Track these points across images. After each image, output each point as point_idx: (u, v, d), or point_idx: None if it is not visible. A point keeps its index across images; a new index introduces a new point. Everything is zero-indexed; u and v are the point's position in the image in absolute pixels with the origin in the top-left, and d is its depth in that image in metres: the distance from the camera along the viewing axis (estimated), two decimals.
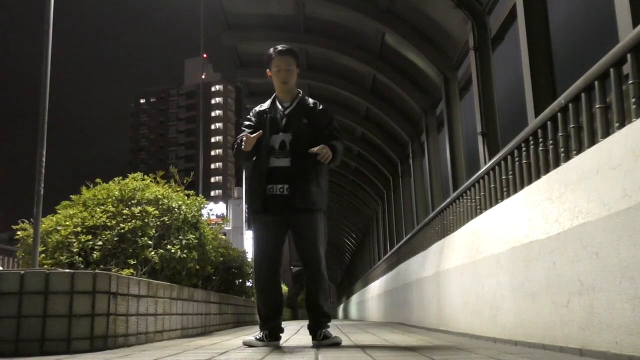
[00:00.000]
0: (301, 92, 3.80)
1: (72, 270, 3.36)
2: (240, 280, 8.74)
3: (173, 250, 4.78)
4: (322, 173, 3.60)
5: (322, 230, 3.56)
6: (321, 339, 3.44)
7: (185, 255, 4.92)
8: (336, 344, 3.36)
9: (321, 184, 3.58)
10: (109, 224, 4.49)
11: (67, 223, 4.49)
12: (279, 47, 3.72)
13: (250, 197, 3.62)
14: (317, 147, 3.38)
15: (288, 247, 3.64)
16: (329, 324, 3.57)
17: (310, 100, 3.75)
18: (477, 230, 4.44)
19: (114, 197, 4.79)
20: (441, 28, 8.36)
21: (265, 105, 3.76)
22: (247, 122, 3.77)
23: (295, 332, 5.14)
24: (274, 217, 3.53)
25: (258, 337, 3.57)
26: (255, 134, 3.44)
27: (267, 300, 3.61)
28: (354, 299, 22.85)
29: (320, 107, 3.72)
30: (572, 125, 3.04)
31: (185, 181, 5.89)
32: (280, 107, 3.70)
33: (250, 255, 7.36)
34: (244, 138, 3.44)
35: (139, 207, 4.69)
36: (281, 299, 3.67)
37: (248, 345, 3.51)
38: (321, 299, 3.55)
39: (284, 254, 3.71)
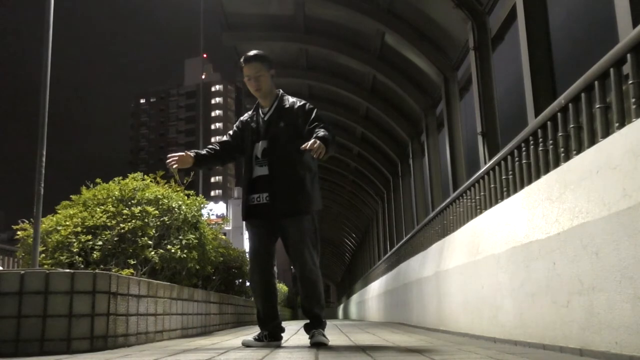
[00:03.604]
0: (280, 92, 3.72)
1: (72, 270, 3.35)
2: (240, 280, 8.74)
3: (173, 250, 4.78)
4: (306, 175, 3.52)
5: (308, 233, 3.51)
6: (310, 338, 3.47)
7: (185, 255, 4.91)
8: (321, 344, 3.35)
9: (305, 186, 3.51)
10: (109, 224, 4.49)
11: (67, 223, 4.48)
12: (247, 55, 3.64)
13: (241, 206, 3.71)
14: (307, 144, 3.18)
15: None
16: (322, 323, 3.57)
17: (290, 100, 3.66)
18: (477, 230, 4.44)
19: (114, 197, 4.79)
20: (441, 28, 8.36)
21: (250, 113, 3.78)
22: (230, 131, 3.83)
23: (295, 332, 5.14)
24: (262, 224, 3.57)
25: (257, 338, 3.58)
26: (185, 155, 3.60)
27: (262, 302, 3.65)
28: (354, 299, 22.85)
29: (299, 104, 3.61)
30: (572, 125, 3.04)
31: (185, 181, 5.88)
32: (261, 113, 3.69)
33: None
34: (175, 157, 3.59)
35: (139, 207, 4.69)
36: (275, 299, 3.70)
37: (247, 345, 3.52)
38: (312, 301, 3.57)
39: (283, 255, 3.73)
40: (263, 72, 3.61)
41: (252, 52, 3.65)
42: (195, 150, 3.76)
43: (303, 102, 3.65)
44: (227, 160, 3.89)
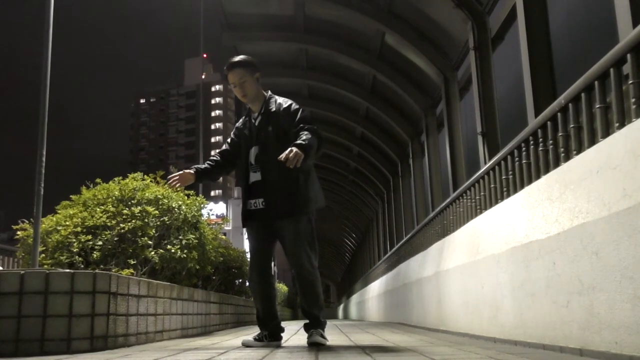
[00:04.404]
0: (268, 95, 3.67)
1: (72, 270, 3.35)
2: (240, 280, 8.75)
3: (173, 250, 4.78)
4: (299, 176, 3.47)
5: (305, 235, 3.49)
6: (308, 338, 3.47)
7: (185, 255, 4.92)
8: (318, 344, 3.35)
9: (299, 188, 3.48)
10: (109, 224, 4.49)
11: (67, 223, 4.49)
12: (229, 62, 3.60)
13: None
14: (283, 155, 3.15)
15: None
16: (321, 323, 3.57)
17: (277, 102, 3.62)
18: (477, 230, 4.44)
19: (114, 197, 4.79)
20: (441, 28, 8.36)
21: (243, 119, 3.78)
22: (229, 139, 3.83)
23: (295, 332, 5.14)
24: (260, 225, 3.58)
25: (257, 338, 3.58)
26: (187, 173, 3.60)
27: (262, 302, 3.66)
28: (354, 299, 22.85)
29: (284, 106, 3.57)
30: (572, 125, 3.04)
31: None
32: (252, 119, 3.68)
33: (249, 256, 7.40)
34: (176, 177, 3.57)
35: (139, 207, 4.69)
36: (274, 299, 3.73)
37: (247, 345, 3.52)
38: (310, 302, 3.57)
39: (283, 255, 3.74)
40: (247, 78, 3.57)
41: (235, 59, 3.61)
42: (196, 166, 3.75)
43: (289, 102, 3.60)
44: (230, 168, 3.85)
